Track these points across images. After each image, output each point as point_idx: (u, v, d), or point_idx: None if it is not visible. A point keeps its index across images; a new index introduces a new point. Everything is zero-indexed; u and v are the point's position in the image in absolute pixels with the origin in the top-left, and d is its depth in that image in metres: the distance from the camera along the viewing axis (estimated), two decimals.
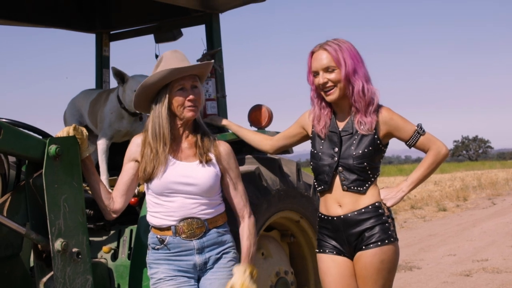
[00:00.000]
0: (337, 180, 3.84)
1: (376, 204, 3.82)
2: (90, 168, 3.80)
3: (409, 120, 3.88)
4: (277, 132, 4.73)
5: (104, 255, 4.44)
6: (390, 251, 3.80)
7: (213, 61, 3.97)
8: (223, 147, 3.87)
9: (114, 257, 4.44)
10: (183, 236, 3.68)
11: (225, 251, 3.77)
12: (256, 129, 4.96)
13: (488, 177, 36.15)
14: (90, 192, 3.89)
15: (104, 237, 4.55)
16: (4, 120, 3.82)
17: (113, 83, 5.86)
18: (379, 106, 3.84)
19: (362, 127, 3.80)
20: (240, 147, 4.69)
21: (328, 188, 3.87)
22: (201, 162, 3.73)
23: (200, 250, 3.70)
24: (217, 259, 3.74)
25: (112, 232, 4.55)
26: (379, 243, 3.77)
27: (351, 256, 3.87)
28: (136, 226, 4.31)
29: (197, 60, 5.09)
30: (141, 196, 4.38)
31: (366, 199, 3.82)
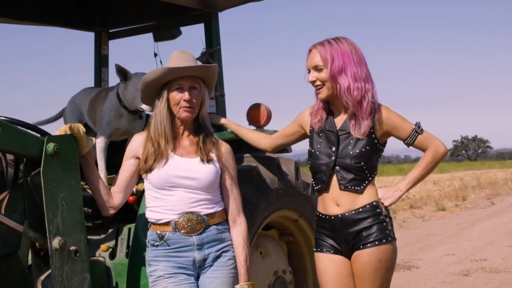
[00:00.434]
0: (335, 179, 3.84)
1: (374, 203, 3.82)
2: (90, 164, 3.80)
3: (407, 119, 3.88)
4: (276, 131, 4.73)
5: (102, 254, 4.44)
6: (388, 251, 3.80)
7: (216, 64, 3.97)
8: (224, 147, 3.90)
9: (112, 255, 4.43)
10: (183, 231, 3.68)
11: (224, 249, 3.77)
12: (254, 128, 4.96)
13: (487, 177, 36.18)
14: (88, 189, 3.89)
15: (102, 236, 4.54)
16: (2, 118, 3.81)
17: (112, 81, 5.86)
18: (378, 104, 3.84)
19: (356, 131, 3.79)
20: (239, 146, 4.69)
21: (326, 187, 3.87)
22: (202, 160, 3.75)
23: (200, 246, 3.70)
24: (217, 257, 3.74)
25: (110, 230, 4.55)
26: (376, 243, 3.76)
27: (348, 255, 3.87)
28: (134, 224, 4.31)
29: (196, 59, 5.08)
30: (139, 195, 4.38)
31: (364, 199, 3.81)
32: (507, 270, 10.01)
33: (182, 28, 5.63)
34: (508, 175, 38.56)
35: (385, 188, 3.91)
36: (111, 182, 4.13)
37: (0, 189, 3.81)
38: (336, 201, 3.85)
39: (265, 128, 4.99)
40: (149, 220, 3.80)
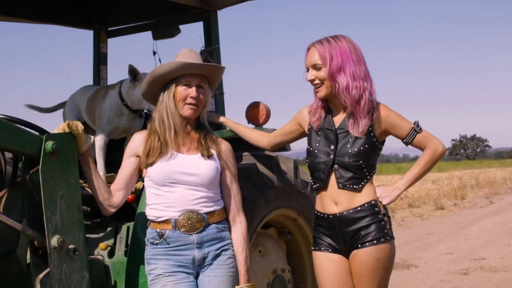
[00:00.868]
0: (333, 177, 3.84)
1: (372, 202, 3.81)
2: (89, 162, 3.79)
3: (406, 118, 3.87)
4: (274, 130, 4.72)
5: (100, 252, 4.43)
6: (386, 250, 3.79)
7: (224, 66, 3.98)
8: (225, 145, 3.90)
9: (111, 254, 4.43)
10: (183, 229, 3.68)
11: (224, 247, 3.77)
12: (253, 126, 4.95)
13: (486, 176, 36.22)
14: (87, 188, 3.89)
15: (101, 234, 4.54)
16: (1, 116, 3.81)
17: (111, 79, 5.85)
18: (376, 103, 3.83)
19: (355, 129, 3.79)
20: (238, 144, 4.68)
21: (324, 186, 3.87)
22: (203, 155, 3.75)
23: (200, 245, 3.69)
24: (216, 256, 3.74)
25: (109, 229, 4.54)
26: (375, 242, 3.76)
27: (346, 254, 3.86)
28: (133, 223, 4.30)
29: None
30: (138, 193, 4.37)
31: (362, 197, 3.81)
32: (506, 269, 10.01)
33: (181, 26, 5.63)
34: (507, 174, 38.60)
35: (383, 187, 3.90)
36: (110, 181, 4.12)
37: None
38: (335, 200, 3.84)
39: (264, 126, 4.99)
40: (148, 218, 3.79)
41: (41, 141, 3.57)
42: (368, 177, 3.83)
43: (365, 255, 3.77)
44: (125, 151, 3.88)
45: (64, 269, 3.56)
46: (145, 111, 4.76)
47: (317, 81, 3.83)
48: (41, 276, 3.63)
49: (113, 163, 4.68)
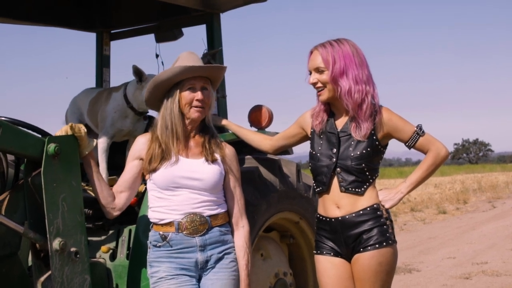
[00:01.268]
0: (335, 181, 3.83)
1: (375, 206, 3.80)
2: (92, 165, 3.78)
3: (408, 121, 3.86)
4: (277, 133, 4.72)
5: (102, 255, 4.43)
6: (388, 254, 3.78)
7: (226, 66, 3.98)
8: (229, 149, 3.90)
9: (113, 257, 4.43)
10: (186, 232, 3.67)
11: (227, 251, 3.76)
12: (256, 129, 4.95)
13: (489, 180, 36.21)
14: (89, 190, 3.88)
15: (103, 237, 4.53)
16: (3, 118, 3.81)
17: (114, 82, 5.85)
18: (378, 106, 3.82)
19: (357, 133, 3.78)
20: (240, 148, 4.67)
21: (326, 189, 3.86)
22: (207, 160, 3.75)
23: (202, 248, 3.69)
24: (219, 259, 3.73)
25: (110, 232, 4.54)
26: (377, 246, 3.75)
27: (348, 258, 3.85)
28: (135, 226, 4.30)
29: None
30: (140, 196, 4.37)
31: (365, 201, 3.80)
32: (508, 273, 10.00)
33: (184, 29, 5.62)
34: (509, 178, 38.57)
35: (386, 191, 3.89)
36: (112, 183, 4.12)
37: (0, 189, 3.80)
38: (337, 203, 3.83)
39: (267, 129, 4.98)
40: (151, 220, 3.78)
41: (43, 143, 3.56)
42: (371, 180, 3.82)
43: (367, 259, 3.76)
44: (128, 154, 3.89)
45: (65, 272, 3.56)
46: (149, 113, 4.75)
47: (319, 84, 3.82)
48: (42, 279, 3.63)
49: (115, 165, 4.68)
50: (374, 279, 3.77)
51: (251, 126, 5.03)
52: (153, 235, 3.76)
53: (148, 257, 3.78)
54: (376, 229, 3.76)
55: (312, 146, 3.94)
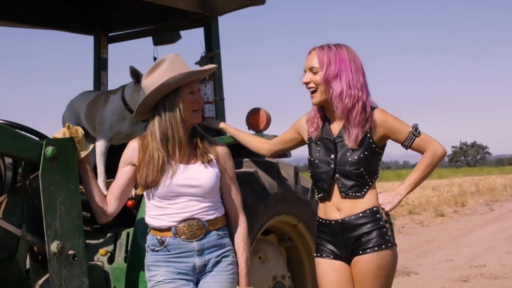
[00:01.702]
0: (335, 187, 3.82)
1: (374, 208, 3.80)
2: (87, 169, 3.77)
3: (404, 121, 3.85)
4: (275, 136, 4.72)
5: (100, 258, 4.42)
6: (388, 256, 3.78)
7: (215, 65, 3.96)
8: (221, 147, 3.87)
9: (111, 260, 4.42)
10: (183, 237, 3.66)
11: (224, 254, 3.76)
12: (254, 132, 4.95)
13: (486, 183, 36.20)
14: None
15: (101, 240, 4.53)
16: (0, 121, 3.80)
17: (111, 85, 5.85)
18: (370, 112, 3.80)
19: (349, 139, 3.77)
20: (238, 151, 4.68)
21: (327, 196, 3.86)
22: (202, 163, 3.73)
23: (200, 252, 3.68)
24: (217, 262, 3.73)
25: (108, 234, 4.53)
26: (376, 248, 3.74)
27: (348, 261, 3.85)
28: (133, 229, 4.29)
29: (195, 63, 5.08)
30: (138, 199, 4.36)
31: (365, 204, 3.80)
32: (506, 276, 9.99)
33: (181, 32, 5.62)
34: (507, 181, 38.58)
35: (385, 193, 3.89)
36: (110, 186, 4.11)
37: None
38: (337, 207, 3.83)
39: (265, 132, 4.98)
40: (149, 225, 3.78)
41: (41, 146, 3.56)
42: (370, 183, 3.82)
43: (366, 262, 3.76)
44: (120, 159, 3.86)
45: (63, 275, 3.56)
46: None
47: (311, 85, 3.81)
48: (40, 282, 3.63)
49: (113, 169, 4.68)
50: (374, 282, 3.76)
51: (249, 129, 5.03)
52: (150, 239, 3.76)
53: (146, 261, 3.78)
54: (375, 231, 3.76)
55: (310, 153, 3.94)
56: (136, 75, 4.53)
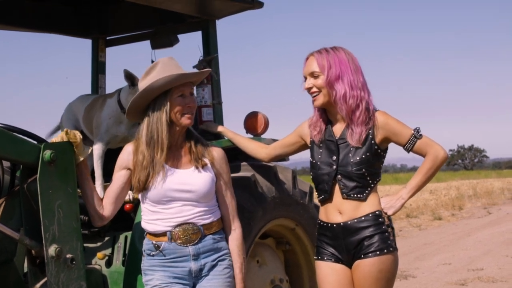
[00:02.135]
0: (337, 188, 3.83)
1: (377, 212, 3.80)
2: (84, 173, 3.77)
3: (405, 124, 3.86)
4: (273, 140, 4.72)
5: (98, 262, 4.43)
6: (389, 261, 3.79)
7: (210, 69, 3.97)
8: (217, 151, 3.86)
9: (109, 263, 4.42)
10: (179, 242, 3.66)
11: (220, 258, 3.75)
12: (252, 136, 4.95)
13: (484, 186, 36.20)
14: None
15: (99, 244, 4.53)
16: None
17: (109, 88, 5.85)
18: (373, 111, 3.82)
19: (352, 139, 3.78)
20: (236, 154, 4.68)
21: (329, 197, 3.86)
22: (197, 167, 3.73)
23: (196, 257, 3.68)
24: (213, 266, 3.72)
25: (106, 238, 4.54)
26: (378, 252, 3.75)
27: (349, 264, 3.85)
28: (130, 232, 4.30)
29: (193, 67, 5.09)
30: (135, 202, 4.36)
31: (367, 207, 3.80)
32: (504, 279, 9.99)
33: (179, 36, 5.62)
34: (504, 184, 38.59)
35: (387, 198, 3.89)
36: None
37: None
38: (339, 209, 3.83)
39: (262, 136, 4.98)
40: (145, 230, 3.78)
41: (39, 150, 3.56)
42: (372, 185, 3.82)
43: (367, 266, 3.76)
44: (116, 163, 3.86)
45: (61, 279, 3.55)
46: None
47: (314, 89, 3.83)
48: (38, 285, 3.64)
49: (111, 172, 4.67)
50: (375, 286, 3.77)
51: (247, 132, 5.03)
52: (146, 243, 3.76)
53: (142, 265, 3.78)
54: (377, 236, 3.76)
55: (312, 156, 3.94)
56: (130, 78, 4.52)
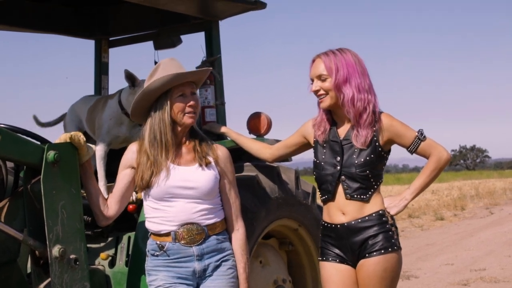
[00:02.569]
0: (340, 188, 3.84)
1: (380, 212, 3.81)
2: (89, 173, 3.79)
3: (409, 126, 3.87)
4: (276, 140, 4.73)
5: (101, 262, 4.43)
6: (393, 260, 3.80)
7: (211, 68, 3.97)
8: (221, 150, 3.87)
9: (112, 264, 4.43)
10: (183, 242, 3.67)
11: (224, 258, 3.76)
12: (255, 136, 4.95)
13: (486, 187, 36.19)
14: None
15: (102, 244, 4.53)
16: (2, 125, 3.81)
17: (112, 89, 5.85)
18: (378, 114, 3.83)
19: (357, 141, 3.79)
20: (239, 155, 4.68)
21: (332, 197, 3.87)
22: (200, 165, 3.73)
23: (200, 257, 3.69)
24: (217, 267, 3.73)
25: (110, 239, 4.54)
26: (382, 251, 3.76)
27: (354, 264, 3.86)
28: (134, 233, 4.30)
29: (196, 67, 5.09)
30: (139, 203, 4.36)
31: (370, 207, 3.81)
32: (507, 280, 9.99)
33: (182, 36, 5.62)
34: (506, 184, 38.56)
35: (391, 198, 3.91)
36: (111, 191, 4.12)
37: (0, 196, 3.80)
38: (342, 210, 3.84)
39: (266, 137, 4.99)
40: (149, 230, 3.79)
41: (43, 151, 3.57)
42: (375, 186, 3.83)
43: (372, 265, 3.77)
44: (120, 162, 3.87)
45: (65, 279, 3.56)
46: None
47: (321, 92, 3.83)
48: (42, 286, 3.63)
49: (113, 173, 4.68)
50: (379, 285, 3.78)
51: (250, 133, 5.03)
52: (150, 244, 3.76)
53: (146, 266, 3.78)
54: (381, 235, 3.78)
55: (316, 156, 3.95)
56: (131, 79, 4.53)
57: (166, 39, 5.60)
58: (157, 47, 5.62)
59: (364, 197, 3.80)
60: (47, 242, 3.50)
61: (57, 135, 3.74)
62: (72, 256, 3.60)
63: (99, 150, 4.65)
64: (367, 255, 3.78)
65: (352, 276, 3.86)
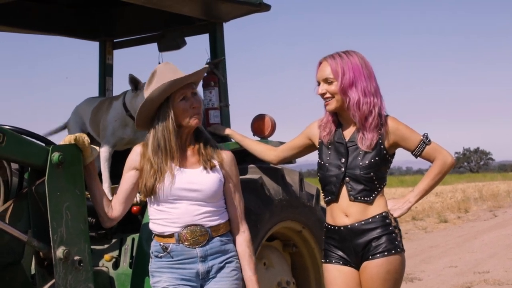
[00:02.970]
0: (344, 190, 3.84)
1: (383, 214, 3.82)
2: (93, 174, 3.79)
3: (415, 130, 3.88)
4: (281, 142, 4.73)
5: (105, 264, 4.43)
6: (397, 262, 3.80)
7: (207, 66, 3.96)
8: (226, 154, 3.87)
9: (116, 265, 4.43)
10: (186, 243, 3.67)
11: (228, 260, 3.76)
12: (259, 138, 4.95)
13: (490, 189, 36.10)
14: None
15: (106, 246, 4.54)
16: (7, 127, 3.82)
17: (116, 91, 5.86)
18: (384, 117, 3.84)
19: (363, 143, 3.80)
20: (243, 157, 4.69)
21: (335, 199, 3.87)
22: (205, 168, 3.73)
23: (203, 258, 3.69)
24: (220, 268, 3.73)
25: (114, 240, 4.54)
26: (385, 253, 3.76)
27: (357, 266, 3.86)
28: (138, 234, 4.30)
29: None
30: (143, 205, 4.37)
31: (373, 209, 3.81)
32: (510, 282, 9.97)
33: (186, 38, 5.63)
34: (510, 187, 38.44)
35: (394, 200, 3.91)
36: (115, 192, 4.12)
37: (4, 198, 3.81)
38: (345, 212, 3.84)
39: (270, 139, 4.99)
40: (152, 231, 3.79)
41: (47, 152, 3.58)
42: (379, 189, 3.84)
43: (375, 267, 3.77)
44: (125, 164, 3.87)
45: (69, 281, 3.57)
46: None
47: (328, 95, 3.84)
48: (46, 287, 3.64)
49: (118, 174, 4.68)
50: (382, 287, 3.77)
51: (254, 135, 5.04)
52: (154, 245, 3.76)
53: (150, 267, 3.78)
54: (384, 237, 3.78)
55: (320, 157, 3.95)
56: (134, 82, 4.54)
57: (170, 41, 5.60)
58: (162, 49, 5.61)
59: (368, 199, 3.81)
60: (52, 244, 3.51)
61: (62, 137, 3.75)
62: (76, 258, 3.60)
63: (104, 151, 4.66)
64: (370, 257, 3.78)
65: (355, 278, 3.86)
